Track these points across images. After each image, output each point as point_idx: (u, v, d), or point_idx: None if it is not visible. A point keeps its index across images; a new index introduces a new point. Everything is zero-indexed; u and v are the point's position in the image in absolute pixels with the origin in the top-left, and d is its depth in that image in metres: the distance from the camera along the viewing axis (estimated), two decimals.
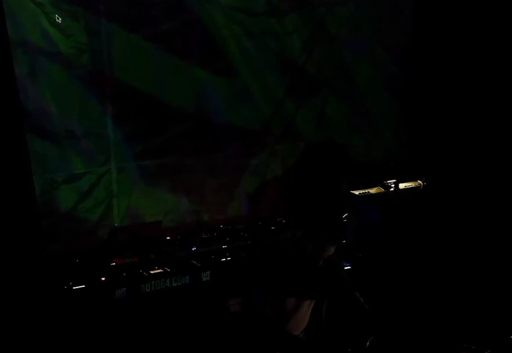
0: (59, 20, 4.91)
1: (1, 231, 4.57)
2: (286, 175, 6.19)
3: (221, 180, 5.89)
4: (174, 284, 4.92)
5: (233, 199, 5.98)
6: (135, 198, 5.52)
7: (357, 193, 5.67)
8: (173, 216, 5.71)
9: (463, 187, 6.09)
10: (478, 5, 6.10)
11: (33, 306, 4.50)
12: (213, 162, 5.84)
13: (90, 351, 4.50)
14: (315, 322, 3.62)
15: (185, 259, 5.16)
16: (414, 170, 6.09)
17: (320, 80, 6.27)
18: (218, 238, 5.53)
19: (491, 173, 6.03)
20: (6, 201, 4.61)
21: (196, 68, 5.59)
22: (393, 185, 5.75)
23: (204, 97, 5.69)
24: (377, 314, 3.83)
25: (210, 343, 4.64)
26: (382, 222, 5.60)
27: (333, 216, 3.66)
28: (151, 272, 4.94)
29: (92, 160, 5.29)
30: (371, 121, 6.67)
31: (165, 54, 5.43)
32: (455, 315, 5.08)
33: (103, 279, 4.80)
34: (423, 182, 5.91)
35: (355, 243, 5.65)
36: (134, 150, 5.47)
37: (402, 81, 6.72)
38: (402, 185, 5.82)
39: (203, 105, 5.70)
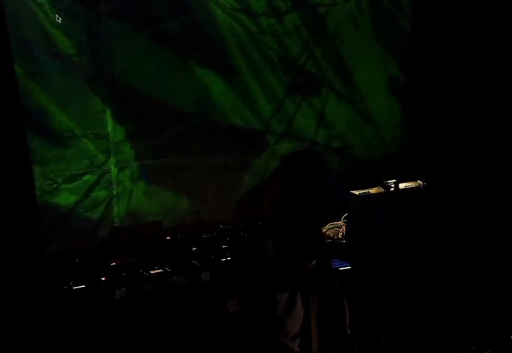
0: (59, 20, 4.91)
1: (1, 231, 4.57)
2: (285, 175, 6.20)
3: (221, 180, 5.90)
4: (174, 284, 4.92)
5: (233, 199, 5.99)
6: (135, 198, 5.53)
7: (357, 193, 5.67)
8: (173, 216, 5.71)
9: (463, 187, 6.09)
10: (478, 4, 6.09)
11: (33, 306, 4.50)
12: (214, 162, 5.84)
13: (90, 351, 4.50)
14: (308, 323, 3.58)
15: (185, 259, 5.16)
16: (414, 170, 6.09)
17: (320, 80, 6.28)
18: (218, 238, 5.53)
19: (491, 173, 6.03)
20: (6, 201, 4.61)
21: (196, 67, 5.60)
22: (393, 185, 5.75)
23: (205, 97, 5.70)
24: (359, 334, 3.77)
25: (209, 343, 4.64)
26: (383, 222, 5.60)
27: (313, 231, 3.62)
28: (151, 272, 4.94)
29: (92, 160, 5.30)
30: (371, 121, 6.67)
31: (165, 54, 5.43)
32: (455, 315, 5.07)
33: (103, 279, 4.80)
34: (423, 182, 5.90)
35: (355, 243, 5.65)
36: (134, 150, 5.48)
37: (403, 81, 6.73)
38: (402, 185, 5.82)
39: (203, 105, 5.70)
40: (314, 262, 3.46)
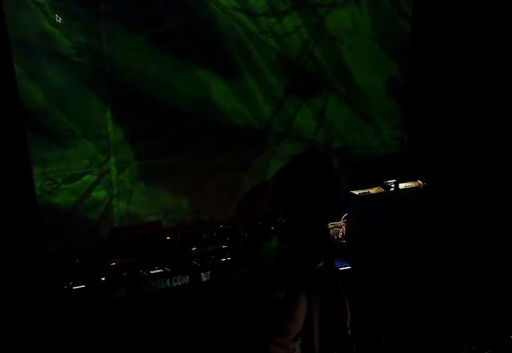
0: (59, 20, 4.91)
1: (1, 231, 4.57)
2: (286, 175, 6.20)
3: (221, 180, 5.90)
4: (174, 284, 4.92)
5: (233, 199, 5.99)
6: (135, 198, 5.53)
7: (357, 193, 5.67)
8: (173, 216, 5.71)
9: (463, 187, 6.09)
10: (478, 4, 6.09)
11: (33, 306, 4.50)
12: (214, 162, 5.84)
13: (90, 351, 4.49)
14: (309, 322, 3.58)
15: (185, 259, 5.16)
16: (414, 170, 6.09)
17: (320, 80, 6.28)
18: (218, 238, 5.54)
19: (491, 173, 6.02)
20: (6, 201, 4.61)
21: (196, 67, 5.59)
22: (393, 185, 5.75)
23: (205, 97, 5.70)
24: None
25: (209, 342, 4.64)
26: (383, 222, 5.60)
27: (322, 231, 3.62)
28: (151, 272, 4.94)
29: (92, 160, 5.30)
30: (371, 121, 6.67)
31: (165, 54, 5.43)
32: (455, 315, 5.07)
33: (103, 279, 4.80)
34: (423, 182, 5.91)
35: (355, 243, 5.65)
36: (134, 150, 5.48)
37: (403, 81, 6.73)
38: (402, 185, 5.82)
39: (203, 105, 5.70)
40: (321, 263, 3.46)
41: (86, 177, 5.29)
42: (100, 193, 5.37)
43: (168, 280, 4.91)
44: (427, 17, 6.51)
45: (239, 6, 5.69)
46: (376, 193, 5.72)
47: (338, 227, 6.06)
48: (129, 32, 5.23)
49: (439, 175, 6.14)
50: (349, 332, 3.67)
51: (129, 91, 5.32)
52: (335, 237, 5.95)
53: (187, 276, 4.98)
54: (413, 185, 5.91)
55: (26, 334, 4.40)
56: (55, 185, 5.15)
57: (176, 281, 4.94)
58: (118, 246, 5.31)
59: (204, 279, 5.04)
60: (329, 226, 6.07)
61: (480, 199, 5.95)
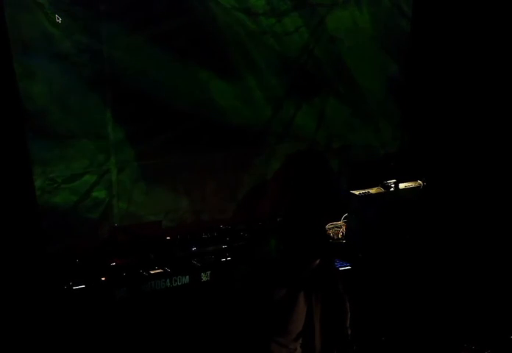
0: (59, 20, 4.91)
1: (1, 231, 4.57)
2: (286, 175, 6.20)
3: (221, 180, 5.90)
4: (174, 284, 4.92)
5: (233, 199, 5.99)
6: (135, 198, 5.53)
7: (357, 193, 5.67)
8: (173, 216, 5.71)
9: (463, 187, 6.09)
10: (478, 4, 6.10)
11: (33, 306, 4.50)
12: (213, 162, 5.84)
13: (90, 351, 4.49)
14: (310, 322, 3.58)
15: (185, 259, 5.16)
16: (414, 170, 6.09)
17: (320, 80, 6.28)
18: (218, 238, 5.54)
19: (491, 173, 6.03)
20: (6, 201, 4.61)
21: (196, 67, 5.60)
22: (393, 185, 5.75)
23: (205, 97, 5.70)
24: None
25: (210, 342, 4.64)
26: (383, 222, 5.60)
27: (318, 230, 3.63)
28: (151, 272, 4.94)
29: (92, 160, 5.30)
30: (371, 121, 6.67)
31: (165, 54, 5.43)
32: (455, 315, 5.08)
33: (103, 279, 4.80)
34: (423, 182, 5.91)
35: (355, 243, 5.65)
36: (134, 150, 5.47)
37: (403, 81, 6.73)
38: (402, 185, 5.82)
39: (203, 105, 5.70)
40: (318, 261, 3.47)
41: (86, 177, 5.29)
42: (100, 193, 5.37)
43: (168, 280, 4.91)
44: (427, 17, 6.52)
45: (239, 6, 5.69)
46: (376, 193, 5.72)
47: (338, 227, 6.06)
48: (129, 32, 5.23)
49: (439, 175, 6.15)
50: (349, 332, 3.68)
51: (129, 91, 5.32)
52: (335, 237, 5.95)
53: (187, 276, 4.97)
54: (413, 185, 5.91)
55: (26, 334, 4.40)
56: (55, 185, 5.14)
57: (176, 281, 4.94)
58: (118, 246, 5.31)
59: (204, 279, 5.04)
60: (329, 226, 6.07)
61: (480, 199, 5.96)
